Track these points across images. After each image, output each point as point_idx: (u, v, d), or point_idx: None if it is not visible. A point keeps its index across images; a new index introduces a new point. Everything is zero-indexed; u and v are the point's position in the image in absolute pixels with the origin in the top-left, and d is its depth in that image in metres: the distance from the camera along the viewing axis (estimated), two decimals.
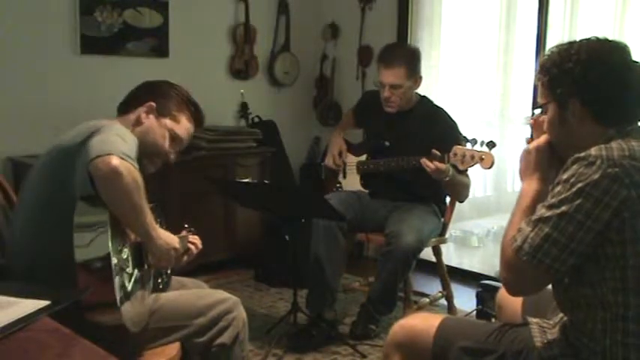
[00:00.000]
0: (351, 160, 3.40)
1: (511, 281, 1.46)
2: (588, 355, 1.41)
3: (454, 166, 2.87)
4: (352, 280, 3.71)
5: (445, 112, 3.19)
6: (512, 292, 1.50)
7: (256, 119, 4.48)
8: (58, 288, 1.49)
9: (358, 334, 3.07)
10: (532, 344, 1.52)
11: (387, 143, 3.24)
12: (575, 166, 1.36)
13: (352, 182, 3.39)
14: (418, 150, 2.93)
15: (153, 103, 1.94)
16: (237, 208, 3.98)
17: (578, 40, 1.50)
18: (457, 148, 2.83)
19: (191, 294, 1.97)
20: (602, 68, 1.44)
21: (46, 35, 3.62)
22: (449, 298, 3.39)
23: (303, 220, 3.02)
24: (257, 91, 4.57)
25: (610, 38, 1.49)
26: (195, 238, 2.08)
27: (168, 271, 2.05)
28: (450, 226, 3.40)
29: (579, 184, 1.33)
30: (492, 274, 3.73)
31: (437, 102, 3.37)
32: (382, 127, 3.27)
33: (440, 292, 3.40)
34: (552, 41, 3.55)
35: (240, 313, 1.95)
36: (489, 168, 2.82)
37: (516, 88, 3.99)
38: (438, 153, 2.84)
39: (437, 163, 2.84)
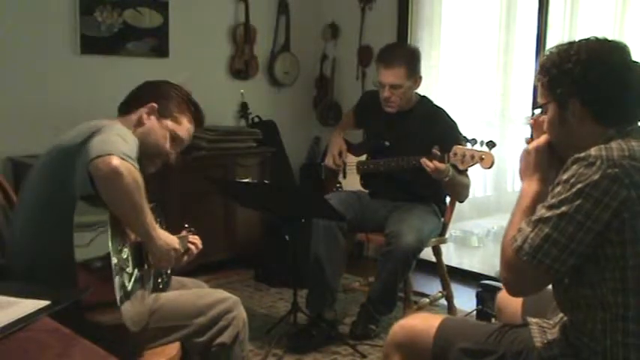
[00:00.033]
0: (351, 160, 3.40)
1: (511, 281, 1.46)
2: (588, 355, 1.41)
3: (454, 166, 2.87)
4: (352, 280, 3.71)
5: (445, 112, 3.19)
6: (513, 292, 1.50)
7: (256, 119, 4.47)
8: (58, 288, 1.49)
9: (358, 334, 3.07)
10: (532, 344, 1.52)
11: (387, 143, 3.24)
12: (575, 167, 1.36)
13: (352, 182, 3.39)
14: (418, 150, 2.93)
15: (154, 104, 1.95)
16: (237, 208, 3.98)
17: (577, 40, 1.50)
18: (457, 148, 2.83)
19: (191, 294, 1.97)
20: (602, 68, 1.44)
21: (46, 35, 3.62)
22: (449, 298, 3.39)
23: (303, 220, 3.02)
24: (257, 91, 4.56)
25: (610, 38, 1.49)
26: (195, 238, 2.09)
27: (168, 271, 2.05)
28: (450, 226, 3.40)
29: (579, 185, 1.33)
30: (492, 274, 3.72)
31: (437, 102, 3.37)
32: (382, 127, 3.27)
33: (440, 292, 3.40)
34: (552, 41, 3.55)
35: (240, 312, 1.95)
36: (489, 168, 2.82)
37: (516, 88, 3.98)
38: (438, 152, 2.84)
39: (437, 163, 2.84)
